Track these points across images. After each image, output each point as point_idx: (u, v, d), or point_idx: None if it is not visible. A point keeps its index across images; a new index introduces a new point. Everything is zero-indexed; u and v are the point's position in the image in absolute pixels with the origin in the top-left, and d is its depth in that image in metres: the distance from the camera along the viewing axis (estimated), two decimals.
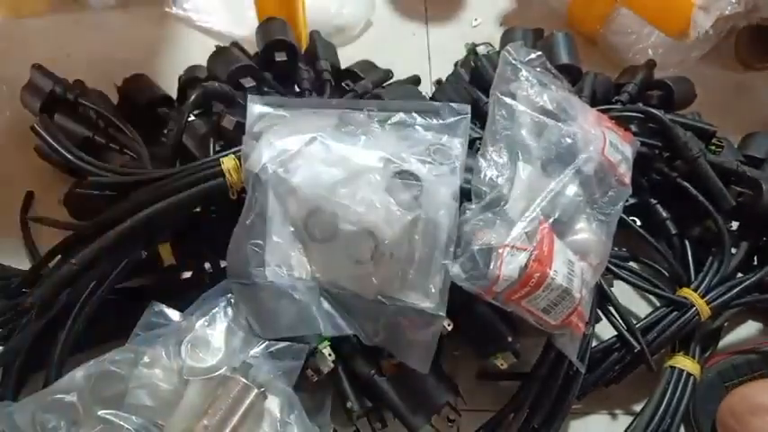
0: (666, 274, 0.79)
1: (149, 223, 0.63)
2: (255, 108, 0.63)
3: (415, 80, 0.93)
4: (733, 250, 0.77)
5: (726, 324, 0.78)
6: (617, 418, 0.73)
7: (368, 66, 0.91)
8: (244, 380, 0.56)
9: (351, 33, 1.05)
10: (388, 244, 0.57)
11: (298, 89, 0.83)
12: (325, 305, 0.59)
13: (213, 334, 0.60)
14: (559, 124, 0.64)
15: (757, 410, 0.65)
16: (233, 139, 0.70)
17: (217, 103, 0.75)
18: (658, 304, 0.76)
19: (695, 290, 0.73)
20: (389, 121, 0.63)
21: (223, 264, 0.70)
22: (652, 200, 0.80)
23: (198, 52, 0.89)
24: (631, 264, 0.80)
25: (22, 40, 1.01)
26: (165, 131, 0.78)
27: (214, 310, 0.61)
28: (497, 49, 0.89)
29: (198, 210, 0.70)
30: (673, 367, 0.71)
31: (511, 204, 0.59)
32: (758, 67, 1.05)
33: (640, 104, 0.82)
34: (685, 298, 0.72)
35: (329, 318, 0.59)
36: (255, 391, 0.56)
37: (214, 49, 0.83)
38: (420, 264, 0.58)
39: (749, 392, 0.69)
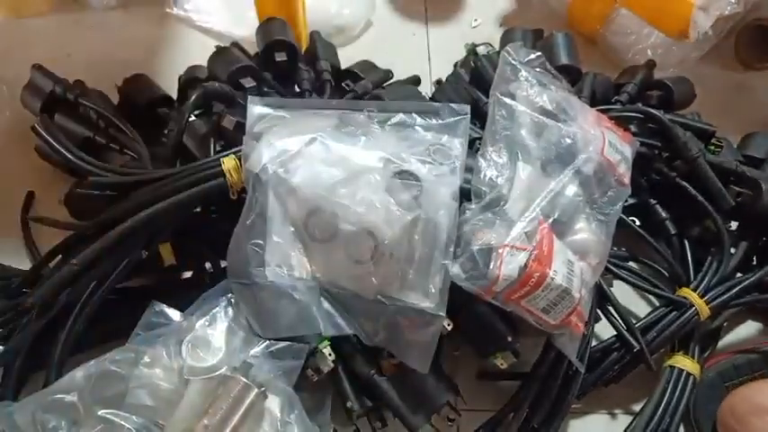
0: (666, 273, 0.79)
1: (150, 223, 0.63)
2: (255, 109, 0.63)
3: (415, 80, 0.93)
4: (732, 250, 0.77)
5: (725, 324, 0.78)
6: (616, 417, 0.73)
7: (368, 66, 0.91)
8: (244, 379, 0.56)
9: (351, 33, 1.05)
10: (387, 244, 0.57)
11: (298, 89, 0.83)
12: (326, 305, 0.59)
13: (213, 334, 0.60)
14: (559, 124, 0.64)
15: (758, 411, 0.65)
16: (233, 139, 0.70)
17: (217, 104, 0.75)
18: (658, 304, 0.76)
19: (694, 290, 0.73)
20: (389, 122, 0.63)
21: (223, 264, 0.70)
22: (651, 200, 0.80)
23: (198, 52, 0.89)
24: (631, 264, 0.80)
25: (22, 41, 1.01)
26: (166, 131, 0.78)
27: (214, 310, 0.61)
28: (497, 50, 0.89)
29: (198, 210, 0.70)
30: (672, 367, 0.71)
31: (510, 204, 0.59)
32: (758, 67, 1.05)
33: (640, 105, 0.82)
34: (685, 298, 0.72)
35: (329, 318, 0.59)
36: (256, 390, 0.56)
37: (214, 49, 0.83)
38: (420, 264, 0.58)
39: (750, 393, 0.69)
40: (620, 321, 0.70)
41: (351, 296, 0.59)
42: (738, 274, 0.76)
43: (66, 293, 0.63)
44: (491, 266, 0.56)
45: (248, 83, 0.77)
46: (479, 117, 0.72)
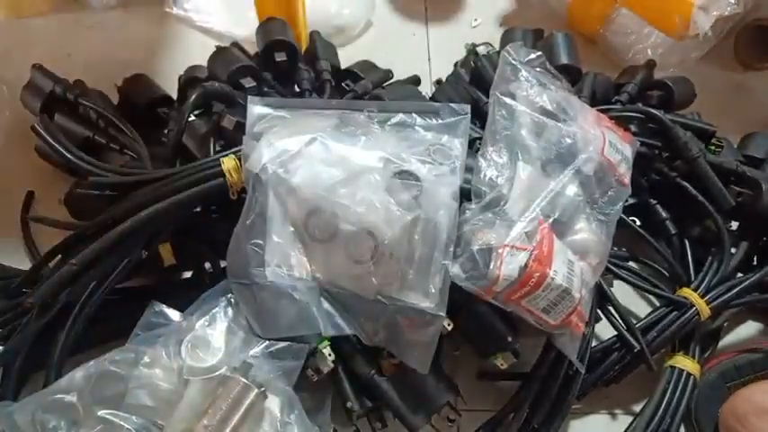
0: (666, 273, 0.79)
1: (150, 223, 0.63)
2: (255, 108, 0.63)
3: (415, 80, 0.93)
4: (733, 250, 0.77)
5: (726, 324, 0.78)
6: (617, 417, 0.73)
7: (368, 66, 0.91)
8: (244, 380, 0.56)
9: (351, 33, 1.05)
10: (387, 244, 0.57)
11: (298, 89, 0.83)
12: (326, 305, 0.59)
13: (213, 334, 0.60)
14: (559, 124, 0.64)
15: (760, 412, 0.65)
16: (233, 139, 0.70)
17: (217, 103, 0.75)
18: (658, 304, 0.76)
19: (695, 290, 0.73)
20: (389, 122, 0.63)
21: (223, 264, 0.70)
22: (652, 200, 0.80)
23: (198, 52, 0.90)
24: (631, 264, 0.80)
25: (22, 41, 1.01)
26: (166, 131, 0.78)
27: (214, 310, 0.61)
28: (497, 50, 0.89)
29: (198, 210, 0.70)
30: (673, 367, 0.71)
31: (511, 204, 0.59)
32: (758, 67, 1.05)
33: (640, 104, 0.82)
34: (685, 298, 0.72)
35: (329, 318, 0.59)
36: (256, 390, 0.56)
37: (214, 49, 0.83)
38: (420, 264, 0.58)
39: (752, 394, 0.68)
40: (621, 321, 0.70)
41: (351, 296, 0.59)
42: (739, 274, 0.76)
43: (66, 293, 0.62)
44: (491, 266, 0.56)
45: (248, 83, 0.77)
46: (479, 117, 0.72)
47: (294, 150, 0.60)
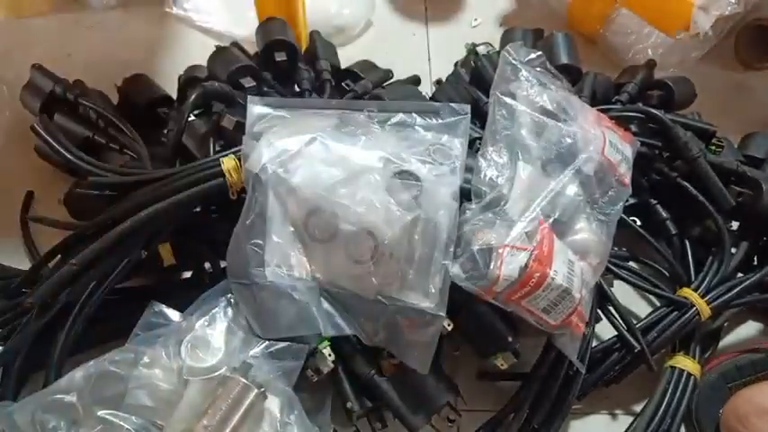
0: (666, 274, 0.79)
1: (149, 223, 0.63)
2: (255, 108, 0.63)
3: (415, 80, 0.93)
4: (733, 250, 0.76)
5: (726, 324, 0.78)
6: (617, 418, 0.73)
7: (368, 66, 0.91)
8: (244, 380, 0.56)
9: (351, 33, 1.05)
10: (387, 244, 0.57)
11: (298, 89, 0.83)
12: (325, 305, 0.59)
13: (213, 334, 0.60)
14: (559, 124, 0.64)
15: (761, 412, 0.65)
16: (233, 138, 0.70)
17: (217, 103, 0.75)
18: (658, 304, 0.76)
19: (695, 290, 0.73)
20: (389, 122, 0.63)
21: (223, 264, 0.70)
22: (652, 200, 0.80)
23: (198, 52, 0.89)
24: (631, 264, 0.80)
25: (22, 41, 1.01)
26: (166, 131, 0.78)
27: (214, 310, 0.61)
28: (497, 49, 0.89)
29: (198, 210, 0.70)
30: (673, 367, 0.71)
31: (511, 204, 0.59)
32: (758, 67, 1.05)
33: (640, 104, 0.82)
34: (685, 298, 0.72)
35: (329, 318, 0.59)
36: (255, 391, 0.56)
37: (214, 49, 0.83)
38: (420, 264, 0.58)
39: (754, 394, 0.68)
40: (621, 321, 0.70)
41: (351, 296, 0.59)
42: (739, 274, 0.76)
43: (66, 293, 0.62)
44: (491, 266, 0.55)
45: (248, 83, 0.77)
46: (480, 117, 0.72)
47: (294, 150, 0.60)
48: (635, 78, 0.85)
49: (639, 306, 0.80)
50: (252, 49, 0.86)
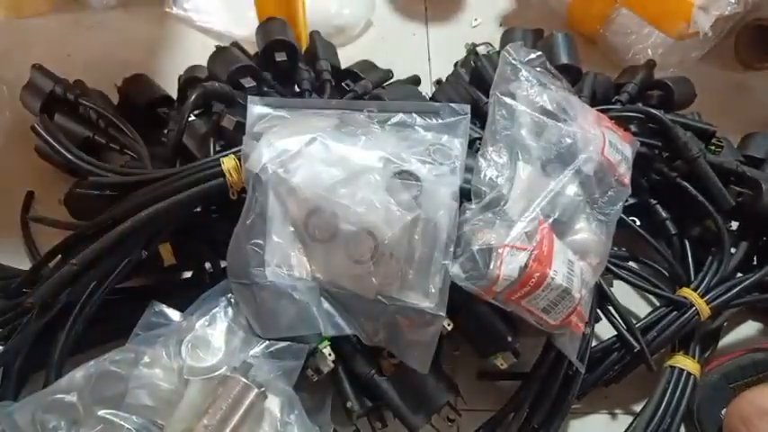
0: (666, 273, 0.79)
1: (150, 223, 0.63)
2: (255, 108, 0.63)
3: (415, 80, 0.93)
4: (733, 250, 0.77)
5: (726, 324, 0.78)
6: (617, 417, 0.73)
7: (368, 66, 0.91)
8: (244, 380, 0.56)
9: (351, 33, 1.05)
10: (387, 244, 0.57)
11: (298, 89, 0.83)
12: (325, 305, 0.59)
13: (213, 334, 0.60)
14: (559, 124, 0.64)
15: (763, 414, 0.65)
16: (233, 139, 0.70)
17: (217, 103, 0.75)
18: (658, 304, 0.76)
19: (695, 290, 0.73)
20: (389, 122, 0.63)
21: (223, 264, 0.70)
22: (652, 200, 0.80)
23: (198, 52, 0.90)
24: (631, 264, 0.80)
25: (22, 41, 1.01)
26: (166, 131, 0.78)
27: (214, 310, 0.61)
28: (497, 49, 0.89)
29: (198, 210, 0.70)
30: (673, 367, 0.71)
31: (511, 204, 0.59)
32: (758, 67, 1.05)
33: (640, 104, 0.82)
34: (685, 298, 0.72)
35: (329, 318, 0.59)
36: (256, 390, 0.56)
37: (214, 49, 0.83)
38: (420, 264, 0.58)
39: (756, 396, 0.68)
40: (621, 321, 0.70)
41: (351, 296, 0.59)
42: (739, 274, 0.76)
43: (66, 293, 0.62)
44: (491, 266, 0.56)
45: (248, 83, 0.77)
46: (479, 117, 0.72)
47: (294, 150, 0.60)
48: (635, 78, 0.85)
49: (639, 306, 0.80)
50: (252, 49, 0.86)
